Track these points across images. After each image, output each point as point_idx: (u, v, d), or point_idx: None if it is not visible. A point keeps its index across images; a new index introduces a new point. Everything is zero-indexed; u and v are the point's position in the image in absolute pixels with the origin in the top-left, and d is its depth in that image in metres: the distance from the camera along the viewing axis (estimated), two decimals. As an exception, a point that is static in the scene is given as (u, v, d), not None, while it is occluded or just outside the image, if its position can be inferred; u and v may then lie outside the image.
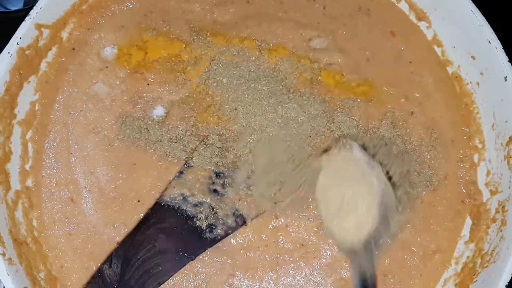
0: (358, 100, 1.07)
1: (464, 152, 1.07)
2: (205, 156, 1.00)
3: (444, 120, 1.08)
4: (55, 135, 1.01)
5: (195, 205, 0.98)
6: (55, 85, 1.03)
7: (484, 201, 1.03)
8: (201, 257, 0.96)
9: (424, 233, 1.01)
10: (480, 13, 1.03)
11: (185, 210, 0.97)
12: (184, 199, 0.98)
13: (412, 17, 1.15)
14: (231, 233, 0.97)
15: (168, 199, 0.98)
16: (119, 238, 0.96)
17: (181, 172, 0.99)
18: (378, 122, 1.06)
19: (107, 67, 1.05)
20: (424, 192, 1.03)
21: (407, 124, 1.06)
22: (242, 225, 0.97)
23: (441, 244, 1.02)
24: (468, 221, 1.04)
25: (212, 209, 0.98)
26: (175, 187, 0.98)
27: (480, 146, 1.07)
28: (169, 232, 0.96)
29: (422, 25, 1.14)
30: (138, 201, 0.98)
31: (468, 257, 1.01)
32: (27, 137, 1.00)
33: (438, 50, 1.13)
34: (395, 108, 1.07)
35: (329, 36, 1.10)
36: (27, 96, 1.00)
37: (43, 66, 1.03)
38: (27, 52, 0.97)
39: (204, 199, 0.98)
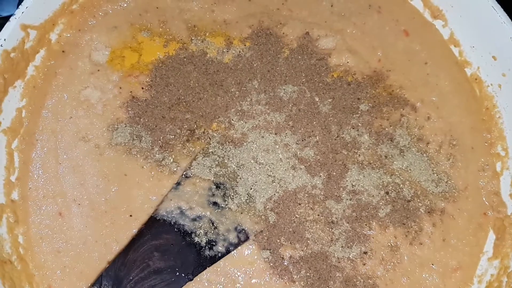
0: (370, 104, 0.99)
1: (485, 160, 0.99)
2: (205, 166, 0.93)
3: (463, 125, 1.00)
4: (42, 144, 0.94)
5: (194, 220, 0.90)
6: (43, 90, 0.97)
7: (509, 213, 0.95)
8: (199, 278, 0.88)
9: (444, 249, 0.93)
10: (502, 9, 0.95)
11: (183, 225, 0.90)
12: (182, 213, 0.90)
13: (427, 15, 1.07)
14: (233, 250, 0.89)
15: (164, 213, 0.90)
16: (110, 257, 0.89)
17: (178, 183, 0.91)
18: (392, 128, 0.98)
19: (98, 70, 0.98)
20: (442, 204, 0.95)
21: (423, 130, 0.99)
22: (245, 241, 0.89)
23: (462, 261, 0.94)
24: (491, 236, 0.96)
25: (212, 223, 0.90)
26: (171, 199, 0.91)
27: (503, 153, 0.99)
28: (165, 249, 0.88)
29: (438, 23, 1.07)
30: (130, 215, 0.90)
31: (492, 275, 0.93)
32: (13, 146, 0.93)
33: (455, 50, 1.05)
34: (410, 113, 0.99)
35: (338, 36, 1.03)
36: (13, 102, 0.94)
37: (30, 70, 0.96)
38: (12, 54, 0.91)
39: (203, 213, 0.90)
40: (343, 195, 0.93)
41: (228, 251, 0.89)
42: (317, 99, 0.98)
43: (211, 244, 0.89)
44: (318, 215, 0.91)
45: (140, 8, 1.03)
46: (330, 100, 0.98)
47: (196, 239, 0.89)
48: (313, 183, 0.93)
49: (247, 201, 0.91)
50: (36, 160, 0.94)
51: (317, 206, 0.92)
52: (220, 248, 0.89)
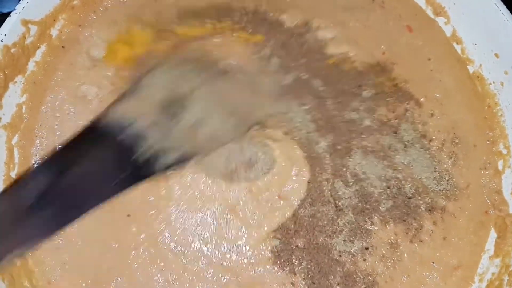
0: (373, 91, 0.98)
1: (487, 158, 0.98)
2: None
3: (466, 123, 0.99)
4: (41, 140, 0.94)
5: (137, 135, 0.80)
6: (43, 86, 0.96)
7: (511, 212, 0.94)
8: (202, 274, 0.87)
9: (444, 247, 0.93)
10: (504, 6, 0.94)
11: (123, 139, 0.79)
12: (125, 125, 0.80)
13: (429, 12, 1.06)
14: (173, 169, 0.82)
15: (105, 122, 0.81)
16: (109, 254, 0.88)
17: (130, 91, 0.84)
18: (397, 122, 0.97)
19: (95, 65, 0.98)
20: (444, 202, 0.94)
21: (427, 126, 0.98)
22: (187, 160, 0.83)
23: (463, 259, 0.93)
24: (493, 234, 0.95)
25: (157, 141, 0.80)
26: (118, 109, 0.83)
27: (505, 151, 0.98)
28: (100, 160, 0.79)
29: (440, 20, 1.06)
30: (128, 215, 0.90)
31: (493, 273, 0.92)
32: (13, 142, 0.93)
33: (457, 48, 1.04)
34: (415, 108, 0.98)
35: (338, 28, 1.01)
36: (13, 97, 0.93)
37: (31, 65, 0.96)
38: (12, 50, 0.90)
39: (149, 130, 0.80)
40: (348, 176, 0.92)
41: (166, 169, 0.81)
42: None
43: (149, 161, 0.80)
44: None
45: (140, 3, 1.02)
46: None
47: (136, 155, 0.79)
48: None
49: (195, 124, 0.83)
50: (35, 156, 0.93)
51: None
52: (160, 166, 0.81)
